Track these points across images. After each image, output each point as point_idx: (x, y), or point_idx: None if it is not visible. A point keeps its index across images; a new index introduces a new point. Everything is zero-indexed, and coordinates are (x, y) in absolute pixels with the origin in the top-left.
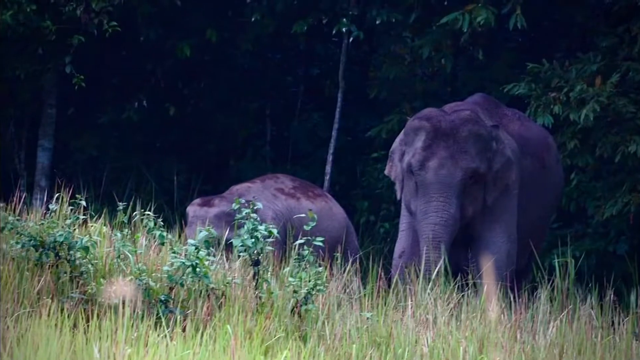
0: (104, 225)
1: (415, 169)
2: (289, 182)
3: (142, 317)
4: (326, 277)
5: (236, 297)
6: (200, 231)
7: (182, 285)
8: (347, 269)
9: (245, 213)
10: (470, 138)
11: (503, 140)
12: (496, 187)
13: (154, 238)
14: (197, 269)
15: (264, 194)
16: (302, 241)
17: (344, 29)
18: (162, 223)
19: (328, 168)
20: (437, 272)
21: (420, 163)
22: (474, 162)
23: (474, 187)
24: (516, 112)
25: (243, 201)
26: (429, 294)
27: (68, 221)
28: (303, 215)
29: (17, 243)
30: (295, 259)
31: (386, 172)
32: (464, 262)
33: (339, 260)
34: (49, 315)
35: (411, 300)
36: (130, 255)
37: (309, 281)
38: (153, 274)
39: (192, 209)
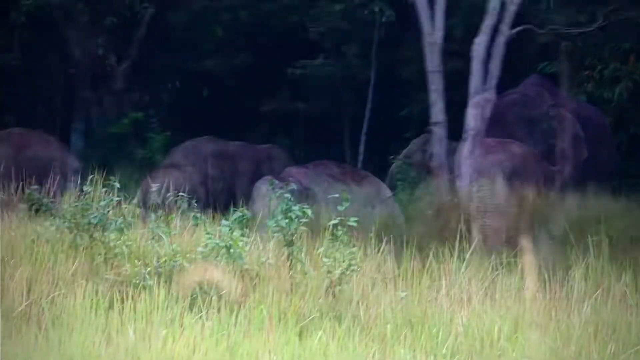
0: (138, 207)
1: None
2: (335, 169)
3: (177, 298)
4: (360, 257)
5: (270, 277)
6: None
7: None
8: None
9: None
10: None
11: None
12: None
13: (188, 219)
14: (231, 250)
15: (318, 180)
16: (335, 222)
17: (376, 9)
18: (195, 204)
19: (361, 148)
20: None
21: None
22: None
23: None
24: (563, 91)
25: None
26: (463, 273)
27: (102, 203)
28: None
29: (51, 225)
30: (329, 240)
31: None
32: None
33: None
34: (83, 297)
35: (445, 280)
36: (164, 237)
37: (343, 261)
38: (187, 255)
39: (265, 185)
